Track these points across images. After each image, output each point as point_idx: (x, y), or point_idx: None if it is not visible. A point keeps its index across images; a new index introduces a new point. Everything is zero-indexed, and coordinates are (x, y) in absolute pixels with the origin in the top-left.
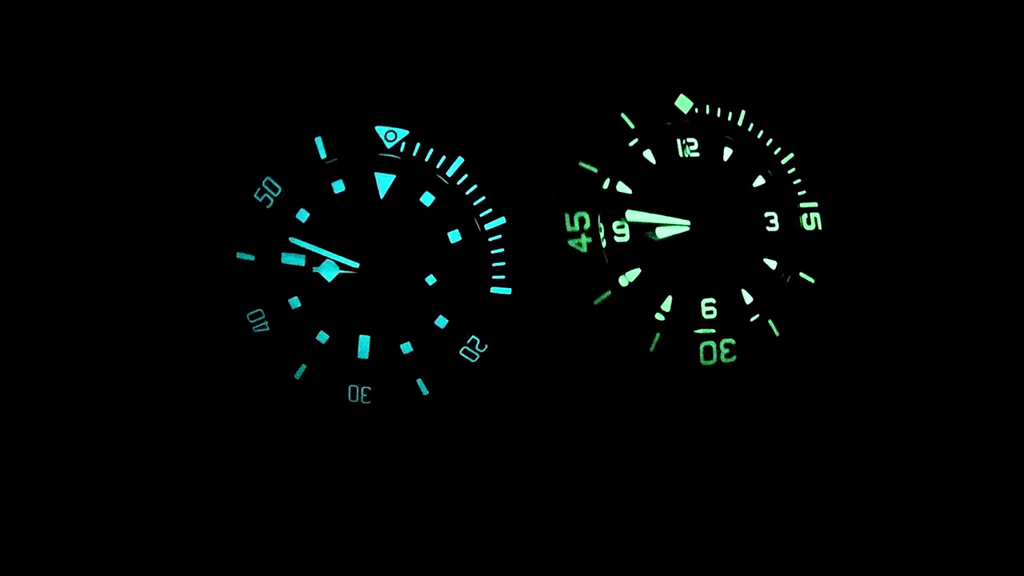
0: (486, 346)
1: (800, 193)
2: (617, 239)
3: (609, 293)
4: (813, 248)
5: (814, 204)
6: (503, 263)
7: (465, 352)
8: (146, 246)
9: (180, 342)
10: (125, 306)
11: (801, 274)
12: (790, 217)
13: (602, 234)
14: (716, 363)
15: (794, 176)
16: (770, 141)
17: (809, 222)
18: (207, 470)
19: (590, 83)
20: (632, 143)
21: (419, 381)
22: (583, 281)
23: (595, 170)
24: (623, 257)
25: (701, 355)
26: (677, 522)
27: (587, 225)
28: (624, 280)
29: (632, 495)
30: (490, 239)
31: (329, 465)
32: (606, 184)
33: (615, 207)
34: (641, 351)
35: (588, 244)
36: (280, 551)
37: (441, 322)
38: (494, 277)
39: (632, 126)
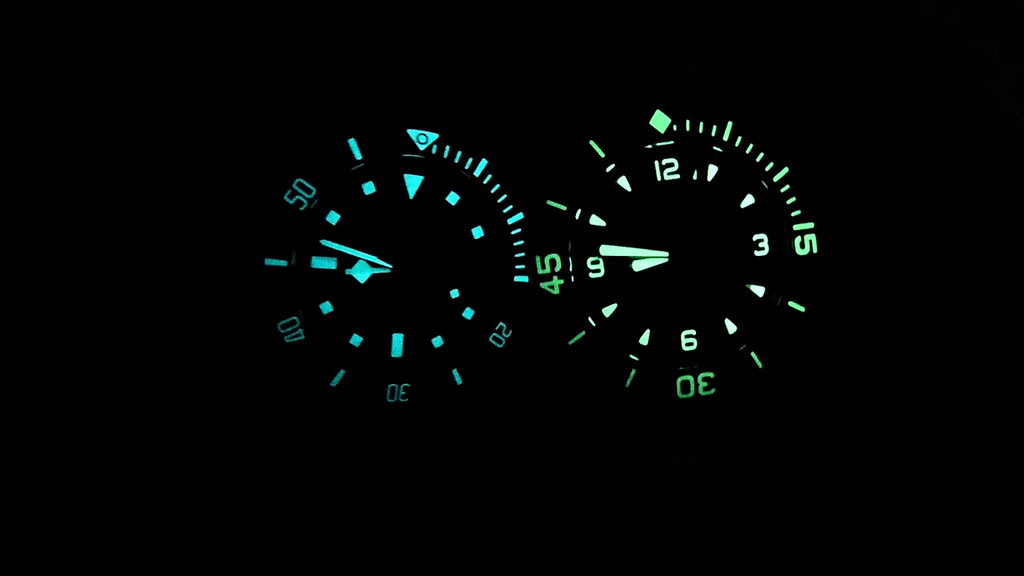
0: (511, 331)
1: (794, 213)
2: (592, 275)
3: (584, 333)
4: (806, 274)
5: (809, 225)
6: (523, 254)
7: (494, 339)
8: (173, 253)
9: (212, 354)
10: (157, 317)
11: (791, 302)
12: (781, 240)
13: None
14: (694, 396)
15: (787, 194)
16: (761, 156)
17: (803, 245)
18: (256, 485)
19: (561, 111)
20: (608, 169)
21: (454, 372)
22: (557, 321)
23: (563, 208)
24: (600, 293)
25: (678, 389)
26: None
27: (558, 267)
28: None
29: (658, 470)
30: (511, 232)
31: (374, 466)
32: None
33: (589, 242)
34: (617, 387)
35: (560, 286)
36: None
37: (468, 313)
38: (516, 267)
39: (602, 154)
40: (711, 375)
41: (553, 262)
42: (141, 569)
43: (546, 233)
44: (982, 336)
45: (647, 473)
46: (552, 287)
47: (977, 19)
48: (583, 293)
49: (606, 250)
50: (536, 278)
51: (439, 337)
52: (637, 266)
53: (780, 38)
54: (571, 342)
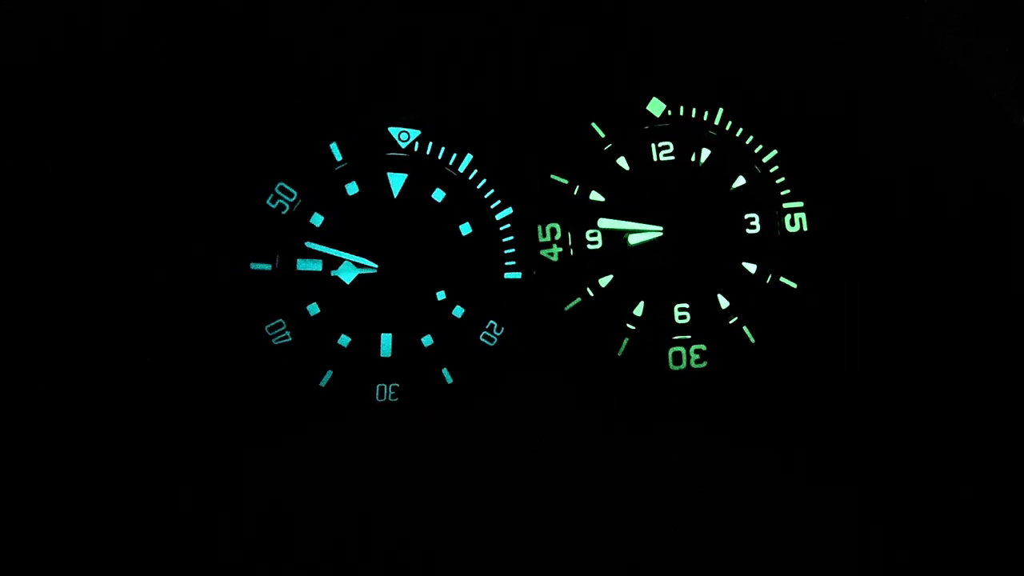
0: (502, 329)
1: (783, 193)
2: (590, 247)
3: (579, 300)
4: (796, 250)
5: (798, 204)
6: (513, 250)
7: (484, 337)
8: (158, 259)
9: (199, 358)
10: (144, 322)
11: (782, 278)
12: (772, 218)
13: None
14: (686, 368)
15: (776, 175)
16: (750, 139)
17: (793, 223)
18: (247, 486)
19: (562, 92)
20: (606, 149)
21: (444, 371)
22: (555, 288)
23: (566, 181)
24: (596, 263)
25: (670, 360)
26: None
27: (558, 236)
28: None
29: (657, 466)
30: (500, 228)
31: (363, 466)
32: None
33: (587, 216)
34: (609, 355)
35: (559, 254)
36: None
37: (458, 312)
38: (506, 264)
39: (603, 135)
40: (703, 347)
41: (553, 231)
42: (131, 568)
43: (545, 205)
44: (967, 307)
45: (645, 472)
46: (551, 255)
47: (978, 19)
48: (581, 263)
49: (604, 223)
50: (536, 245)
51: (428, 336)
52: (633, 239)
53: (772, 33)
54: (567, 308)
